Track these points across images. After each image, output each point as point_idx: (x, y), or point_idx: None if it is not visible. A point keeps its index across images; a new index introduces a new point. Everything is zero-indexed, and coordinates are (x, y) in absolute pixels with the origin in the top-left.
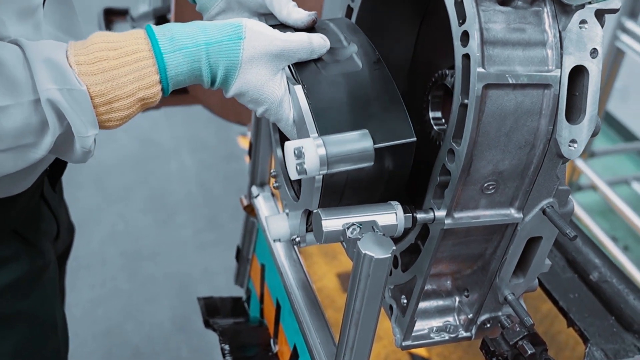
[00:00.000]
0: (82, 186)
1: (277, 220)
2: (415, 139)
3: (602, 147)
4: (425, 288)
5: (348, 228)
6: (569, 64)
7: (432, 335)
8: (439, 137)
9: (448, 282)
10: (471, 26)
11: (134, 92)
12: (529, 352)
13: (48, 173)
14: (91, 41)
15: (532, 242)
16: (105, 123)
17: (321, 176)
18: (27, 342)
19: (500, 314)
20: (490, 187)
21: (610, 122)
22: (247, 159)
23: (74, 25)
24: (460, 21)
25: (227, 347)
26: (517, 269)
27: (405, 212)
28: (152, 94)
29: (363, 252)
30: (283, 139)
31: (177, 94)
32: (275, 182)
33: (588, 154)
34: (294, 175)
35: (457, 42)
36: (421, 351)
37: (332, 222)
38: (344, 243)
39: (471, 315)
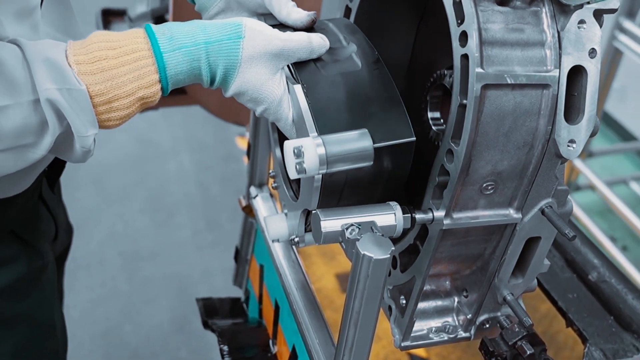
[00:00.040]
0: (81, 187)
1: (275, 221)
2: (414, 138)
3: (600, 147)
4: (424, 288)
5: (347, 229)
6: (567, 64)
7: (431, 335)
8: (437, 137)
9: (447, 282)
10: (470, 26)
11: (133, 91)
12: (528, 352)
13: (46, 174)
14: (90, 40)
15: (531, 242)
16: (105, 122)
17: (320, 176)
18: (25, 343)
19: (499, 314)
20: (489, 188)
21: (608, 122)
22: (245, 159)
23: (71, 26)
24: (459, 21)
25: (225, 347)
26: (516, 269)
27: (404, 213)
28: (152, 93)
29: (362, 252)
30: (282, 138)
31: (176, 94)
32: (274, 182)
33: (586, 153)
34: (293, 175)
35: (455, 42)
36: (420, 351)
37: (331, 223)
38: (342, 244)
39: (470, 315)
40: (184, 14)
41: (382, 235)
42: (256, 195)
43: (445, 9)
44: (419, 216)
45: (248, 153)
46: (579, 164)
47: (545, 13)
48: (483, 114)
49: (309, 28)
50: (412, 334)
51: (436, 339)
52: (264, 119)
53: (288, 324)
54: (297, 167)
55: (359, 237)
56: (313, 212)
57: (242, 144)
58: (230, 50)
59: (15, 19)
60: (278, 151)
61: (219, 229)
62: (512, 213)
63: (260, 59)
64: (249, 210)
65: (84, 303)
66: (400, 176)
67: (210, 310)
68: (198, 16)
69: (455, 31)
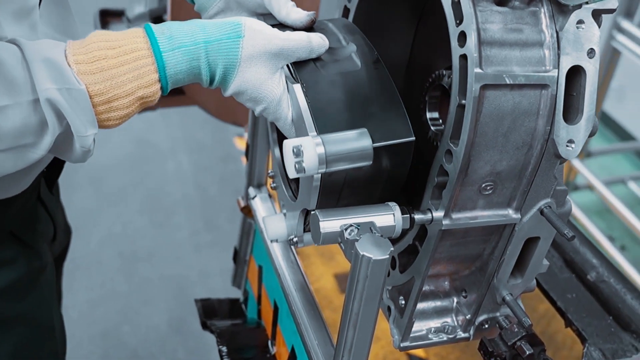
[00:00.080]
0: (79, 188)
1: (274, 221)
2: (414, 138)
3: (598, 147)
4: (423, 289)
5: (346, 229)
6: (566, 64)
7: (430, 336)
8: (436, 137)
9: (446, 282)
10: (468, 26)
11: (133, 90)
12: (527, 352)
13: (45, 174)
14: (90, 40)
15: (530, 243)
16: (105, 122)
17: (319, 175)
18: (24, 344)
19: (498, 314)
20: (488, 188)
21: (606, 122)
22: (243, 160)
23: (70, 26)
24: (458, 21)
25: (224, 348)
26: (515, 269)
27: (403, 213)
28: (151, 93)
29: (361, 253)
30: (281, 138)
31: (174, 94)
32: (273, 182)
33: (585, 153)
34: (292, 174)
35: (454, 43)
36: (419, 351)
37: (330, 224)
38: (341, 244)
39: (469, 316)
40: (182, 14)
41: (381, 235)
42: (255, 196)
43: (443, 9)
44: (417, 217)
45: (246, 154)
46: (577, 163)
47: (543, 13)
48: (482, 114)
49: (309, 28)
50: (411, 335)
51: (435, 339)
52: (263, 120)
53: (287, 324)
54: (297, 166)
55: (358, 238)
56: (312, 212)
57: (240, 144)
58: (230, 49)
59: (14, 19)
60: (277, 151)
61: (217, 230)
62: (511, 213)
63: (259, 59)
64: (247, 211)
65: (83, 304)
66: (400, 176)
67: (209, 311)
68: (197, 16)
69: (453, 31)
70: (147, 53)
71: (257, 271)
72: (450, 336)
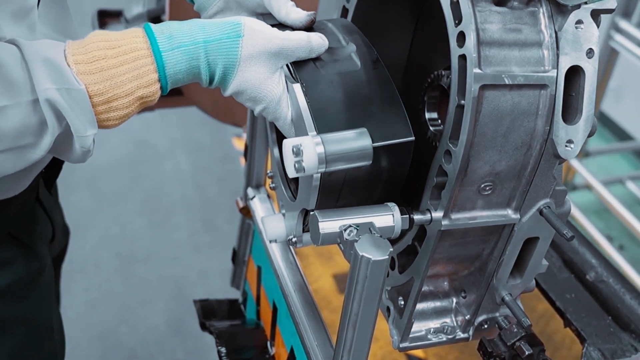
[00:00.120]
0: (77, 188)
1: (273, 221)
2: (413, 138)
3: (596, 147)
4: (423, 289)
5: (345, 230)
6: (565, 64)
7: (429, 336)
8: (435, 138)
9: (445, 283)
10: (467, 27)
11: (132, 90)
12: (527, 352)
13: (43, 175)
14: (89, 40)
15: (529, 243)
16: (104, 122)
17: (319, 175)
18: (23, 345)
19: (497, 314)
20: (487, 188)
21: (604, 122)
22: (242, 160)
23: (68, 26)
24: (456, 22)
25: (223, 349)
26: (514, 269)
27: (402, 214)
28: (151, 93)
29: (360, 254)
30: (280, 138)
31: (172, 95)
32: (272, 182)
33: (583, 153)
34: (292, 173)
35: (453, 43)
36: (417, 351)
37: (329, 224)
38: (341, 245)
39: (468, 316)
40: (181, 14)
41: (381, 236)
42: (253, 197)
43: (442, 10)
44: (417, 217)
45: (245, 154)
46: (575, 163)
47: (542, 13)
48: (481, 114)
49: (308, 28)
50: (410, 335)
51: (435, 340)
52: (261, 120)
53: (286, 325)
54: (296, 165)
55: (357, 239)
56: (311, 213)
57: (239, 144)
58: (230, 49)
59: (13, 19)
60: (276, 151)
61: (216, 230)
62: (510, 213)
63: (259, 58)
64: (246, 212)
65: (81, 305)
66: (399, 176)
67: (208, 311)
68: (195, 17)
69: (452, 31)
70: (146, 53)
71: (256, 272)
72: (450, 337)
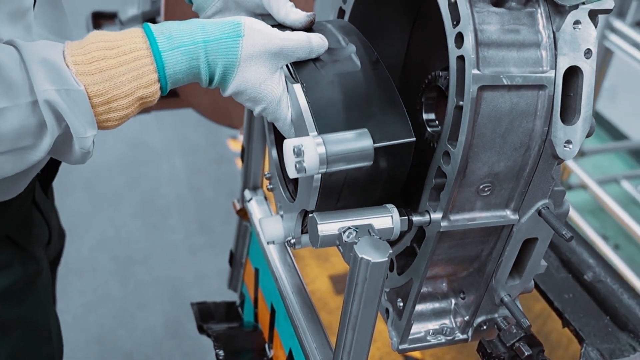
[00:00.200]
0: (72, 191)
1: (271, 222)
2: (414, 139)
3: (591, 146)
4: (421, 290)
5: (344, 232)
6: (563, 64)
7: (428, 338)
8: (432, 139)
9: (444, 284)
10: (465, 27)
11: (132, 91)
12: (526, 353)
13: (40, 177)
14: (88, 41)
15: (528, 244)
16: (104, 123)
17: (320, 175)
18: (21, 348)
19: (496, 315)
20: (486, 189)
21: (599, 122)
22: (238, 162)
23: (64, 28)
24: (455, 22)
25: (221, 352)
26: (513, 270)
27: (401, 215)
28: (151, 93)
29: (360, 256)
30: (279, 139)
31: (168, 97)
32: (270, 184)
33: (578, 153)
34: (292, 174)
35: (451, 44)
36: (415, 352)
37: (328, 226)
38: (340, 247)
39: (467, 317)
40: (176, 16)
41: (380, 238)
42: (251, 199)
43: (440, 11)
44: (416, 218)
45: (242, 156)
46: (570, 163)
47: (540, 14)
48: (480, 115)
49: (308, 28)
50: (409, 337)
51: (434, 341)
52: (258, 122)
53: (284, 327)
54: (297, 166)
55: (356, 241)
56: (310, 215)
57: (234, 146)
58: (230, 49)
59: (9, 20)
60: (275, 152)
61: (212, 232)
62: (509, 214)
63: (259, 58)
64: (243, 214)
65: (77, 308)
66: (400, 177)
67: (206, 314)
68: (191, 18)
69: (450, 32)
70: (146, 53)
71: (253, 274)
72: (449, 338)
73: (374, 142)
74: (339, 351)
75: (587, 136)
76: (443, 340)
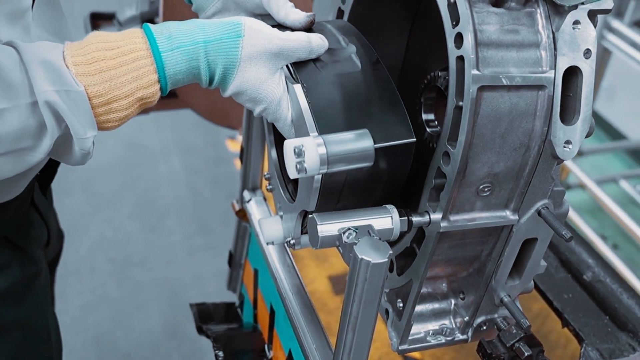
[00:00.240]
0: (70, 192)
1: (270, 223)
2: (415, 139)
3: (590, 146)
4: (421, 291)
5: (344, 233)
6: (562, 64)
7: (428, 338)
8: (432, 139)
9: (444, 284)
10: (465, 28)
11: (132, 91)
12: (526, 354)
13: (38, 178)
14: (88, 41)
15: (528, 244)
16: (104, 124)
17: (320, 176)
18: (20, 349)
19: (496, 316)
20: (486, 189)
21: (597, 121)
22: (236, 162)
23: (62, 28)
24: (454, 23)
25: (221, 353)
26: (513, 270)
27: (400, 216)
28: (151, 94)
29: (360, 256)
30: (278, 140)
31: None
32: (269, 184)
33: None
34: (293, 174)
35: (450, 44)
36: (414, 352)
37: (327, 227)
38: (340, 248)
39: (467, 317)
40: (175, 17)
41: (380, 238)
42: (250, 199)
43: (439, 11)
44: (415, 219)
45: (241, 157)
46: (569, 163)
47: (539, 14)
48: (479, 115)
49: (308, 29)
50: (409, 337)
51: (434, 341)
52: (257, 122)
53: (284, 328)
54: (298, 166)
55: (356, 241)
56: (310, 216)
57: (233, 146)
58: (230, 49)
59: (7, 21)
60: (274, 153)
61: (210, 233)
62: (508, 215)
63: (259, 58)
64: (242, 215)
65: (75, 309)
66: (400, 177)
67: (205, 315)
68: (189, 19)
69: (450, 33)
70: (146, 54)
71: (252, 275)
72: (449, 338)
73: (375, 143)
74: (338, 352)
75: (587, 136)
76: (443, 341)
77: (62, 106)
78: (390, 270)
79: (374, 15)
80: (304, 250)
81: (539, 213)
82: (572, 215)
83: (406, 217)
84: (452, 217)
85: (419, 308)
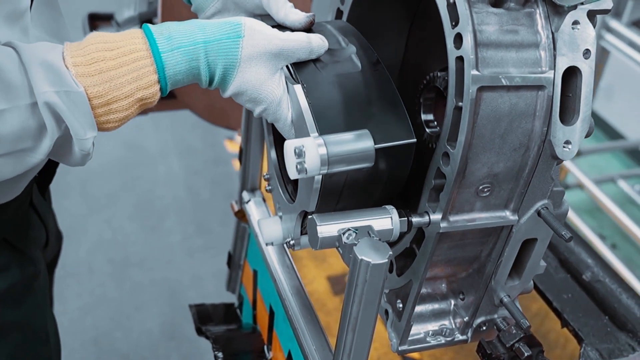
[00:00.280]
0: (69, 193)
1: (270, 224)
2: (415, 140)
3: (588, 146)
4: (421, 292)
5: (344, 233)
6: (562, 65)
7: (428, 339)
8: (431, 139)
9: (443, 285)
10: (464, 28)
11: (132, 92)
12: (526, 354)
13: (37, 179)
14: (88, 42)
15: (527, 244)
16: (104, 125)
17: (320, 176)
18: (19, 351)
19: (496, 316)
20: (485, 190)
21: (596, 121)
22: (235, 163)
23: (61, 29)
24: (453, 23)
25: (220, 354)
26: (513, 271)
27: (400, 216)
28: (151, 94)
29: (360, 257)
30: (278, 140)
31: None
32: (268, 185)
33: None
34: (293, 175)
35: (450, 45)
36: (413, 353)
37: (327, 228)
38: (339, 248)
39: (467, 318)
40: (173, 17)
41: (379, 239)
42: (249, 200)
43: (438, 11)
44: (415, 220)
45: (240, 157)
46: (567, 163)
47: (539, 14)
48: (479, 116)
49: (307, 29)
50: (409, 338)
51: (433, 342)
52: (256, 123)
53: (283, 329)
54: (298, 167)
55: (356, 242)
56: (309, 217)
57: (231, 147)
58: (230, 49)
59: (6, 22)
60: (273, 153)
61: (209, 234)
62: (508, 215)
63: (259, 59)
64: (241, 215)
65: (74, 310)
66: (400, 178)
67: (204, 316)
68: (188, 19)
69: (449, 33)
70: (146, 54)
71: (252, 275)
72: (448, 339)
73: (375, 143)
74: (338, 352)
75: (586, 136)
76: (442, 341)
77: (62, 107)
78: (390, 270)
79: (373, 16)
80: (302, 251)
81: (538, 213)
82: (571, 215)
83: (406, 218)
84: (452, 218)
85: (418, 309)
